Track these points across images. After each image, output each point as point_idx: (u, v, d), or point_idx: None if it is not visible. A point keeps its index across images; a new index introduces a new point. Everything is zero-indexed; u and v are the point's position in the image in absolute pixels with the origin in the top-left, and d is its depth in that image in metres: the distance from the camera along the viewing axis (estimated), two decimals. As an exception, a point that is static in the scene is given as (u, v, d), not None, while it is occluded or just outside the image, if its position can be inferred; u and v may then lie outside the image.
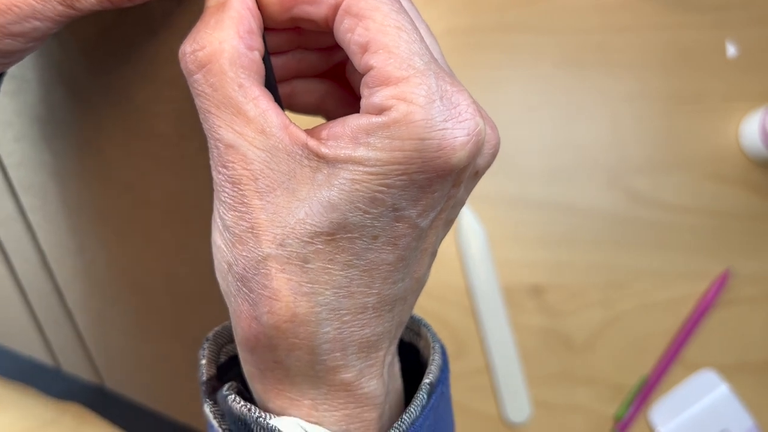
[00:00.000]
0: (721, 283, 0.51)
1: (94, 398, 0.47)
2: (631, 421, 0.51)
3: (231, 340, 0.25)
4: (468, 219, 0.51)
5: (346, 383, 0.21)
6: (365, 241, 0.19)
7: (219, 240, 0.20)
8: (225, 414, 0.22)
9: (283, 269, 0.19)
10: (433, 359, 0.23)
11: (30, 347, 0.47)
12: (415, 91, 0.18)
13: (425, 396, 0.22)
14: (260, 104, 0.19)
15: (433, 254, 0.22)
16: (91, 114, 0.31)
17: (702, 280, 0.52)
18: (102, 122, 0.31)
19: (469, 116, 0.19)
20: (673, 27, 0.52)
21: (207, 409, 0.22)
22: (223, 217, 0.20)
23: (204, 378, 0.23)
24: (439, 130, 0.18)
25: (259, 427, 0.20)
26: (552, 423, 0.52)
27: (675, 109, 0.52)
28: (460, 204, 0.22)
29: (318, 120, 0.24)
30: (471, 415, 0.51)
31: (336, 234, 0.19)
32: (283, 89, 0.23)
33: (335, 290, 0.20)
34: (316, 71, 0.25)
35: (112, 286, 0.39)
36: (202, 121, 0.20)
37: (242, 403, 0.21)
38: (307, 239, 0.19)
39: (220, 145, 0.19)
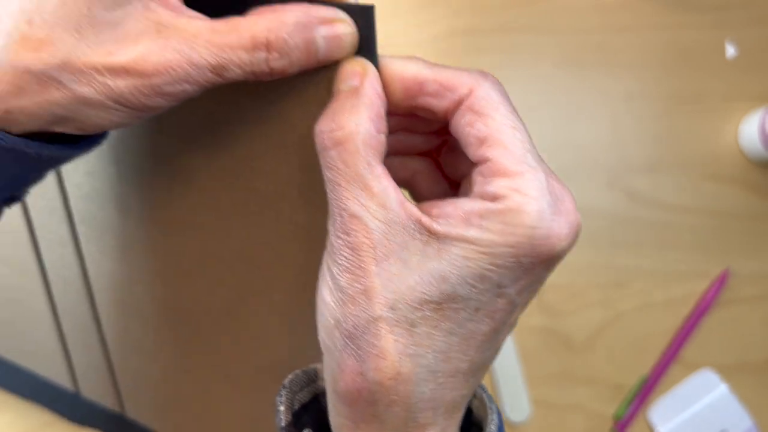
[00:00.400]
0: (721, 283, 0.51)
1: (114, 425, 0.47)
2: (630, 421, 0.52)
3: (302, 388, 0.27)
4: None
5: None
6: (468, 312, 0.22)
7: (328, 297, 0.22)
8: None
9: (392, 331, 0.21)
10: (491, 419, 0.25)
11: (52, 370, 0.47)
12: (529, 185, 0.21)
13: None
14: (383, 181, 0.22)
15: (514, 327, 0.24)
16: (179, 159, 0.31)
17: (701, 280, 0.52)
18: (190, 168, 0.31)
19: (572, 211, 0.22)
20: (673, 27, 0.52)
21: None
22: (336, 277, 0.22)
23: (282, 424, 0.25)
24: (548, 221, 0.21)
25: None
26: (552, 422, 0.52)
27: (675, 109, 0.52)
28: (542, 284, 0.24)
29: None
30: (471, 415, 0.51)
31: (443, 303, 0.21)
32: None
33: (436, 354, 0.22)
34: (413, 151, 0.28)
35: (159, 320, 0.39)
36: (328, 191, 0.22)
37: None
38: (417, 305, 0.21)
39: (345, 214, 0.22)
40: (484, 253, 0.21)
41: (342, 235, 0.22)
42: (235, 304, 0.35)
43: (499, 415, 0.26)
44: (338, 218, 0.22)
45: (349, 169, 0.21)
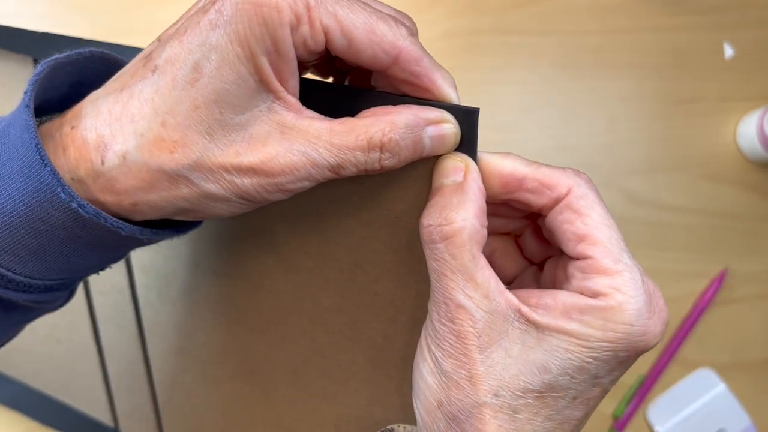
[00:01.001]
0: (719, 282, 0.52)
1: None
2: (628, 420, 0.52)
3: None
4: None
5: None
6: (566, 401, 0.23)
7: (431, 379, 0.24)
8: None
9: (496, 416, 0.22)
10: None
11: (93, 407, 0.47)
12: (627, 284, 0.23)
13: None
14: (486, 272, 0.23)
15: (590, 415, 0.26)
16: (260, 221, 0.32)
17: (699, 280, 0.52)
18: (271, 232, 0.32)
19: (663, 308, 0.24)
20: (670, 29, 0.52)
21: None
22: (440, 361, 0.23)
23: None
24: (645, 319, 0.23)
25: None
26: (550, 421, 0.52)
27: (673, 109, 0.52)
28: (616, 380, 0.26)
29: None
30: (470, 414, 0.52)
31: (545, 392, 0.23)
32: None
33: None
34: (496, 232, 0.29)
35: (216, 369, 0.40)
36: (433, 280, 0.24)
37: None
38: (520, 393, 0.22)
39: (451, 303, 0.23)
40: (584, 347, 0.22)
41: (447, 323, 0.23)
42: (301, 363, 0.36)
43: None
44: (443, 306, 0.23)
45: (456, 261, 0.23)
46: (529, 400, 0.22)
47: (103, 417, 0.47)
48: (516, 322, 0.23)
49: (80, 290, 0.42)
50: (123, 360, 0.44)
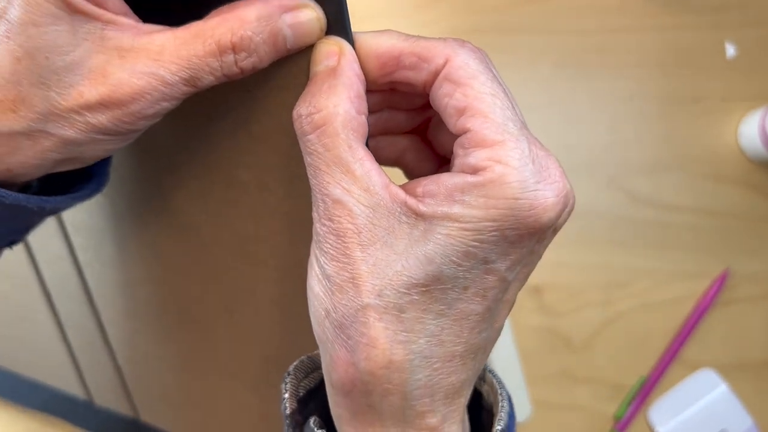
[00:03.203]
0: (721, 282, 0.51)
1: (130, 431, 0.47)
2: (630, 421, 0.52)
3: (308, 374, 0.26)
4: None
5: (431, 427, 0.22)
6: (456, 292, 0.21)
7: (317, 288, 0.22)
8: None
9: (381, 318, 0.20)
10: (502, 406, 0.24)
11: (65, 381, 0.47)
12: (510, 154, 0.20)
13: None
14: (365, 164, 0.21)
15: (512, 305, 0.24)
16: (165, 161, 0.31)
17: (701, 280, 0.52)
18: (176, 169, 0.31)
19: (558, 179, 0.21)
20: (672, 28, 0.52)
21: None
22: (323, 266, 0.21)
23: (287, 412, 0.25)
24: (531, 191, 0.20)
25: None
26: (552, 422, 0.52)
27: (674, 109, 0.52)
28: (538, 257, 0.23)
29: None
30: (471, 415, 0.52)
31: (430, 285, 0.20)
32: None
33: (428, 339, 0.21)
34: (400, 129, 0.27)
35: (163, 323, 0.39)
36: (310, 176, 0.21)
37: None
38: (404, 290, 0.20)
39: (328, 200, 0.21)
40: (466, 229, 0.20)
41: (326, 222, 0.21)
42: (233, 300, 0.35)
43: (510, 400, 0.25)
44: (321, 204, 0.21)
45: (330, 152, 0.21)
46: (414, 297, 0.20)
47: (76, 390, 0.47)
48: (404, 217, 0.21)
49: (28, 262, 0.41)
50: (82, 331, 0.43)
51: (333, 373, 0.22)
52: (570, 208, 0.22)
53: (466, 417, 0.24)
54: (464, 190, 0.20)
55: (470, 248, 0.20)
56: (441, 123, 0.25)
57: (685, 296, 0.52)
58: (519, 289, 0.24)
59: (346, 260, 0.21)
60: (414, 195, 0.21)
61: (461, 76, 0.21)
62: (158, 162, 0.32)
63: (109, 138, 0.22)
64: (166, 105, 0.22)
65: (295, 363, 0.26)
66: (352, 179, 0.21)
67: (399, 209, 0.21)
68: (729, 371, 0.52)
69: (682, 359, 0.52)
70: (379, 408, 0.22)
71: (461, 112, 0.21)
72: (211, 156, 0.29)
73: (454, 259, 0.20)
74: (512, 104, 0.22)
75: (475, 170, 0.21)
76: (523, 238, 0.21)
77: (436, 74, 0.22)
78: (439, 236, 0.20)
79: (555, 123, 0.52)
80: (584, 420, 0.52)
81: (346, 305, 0.21)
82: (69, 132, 0.21)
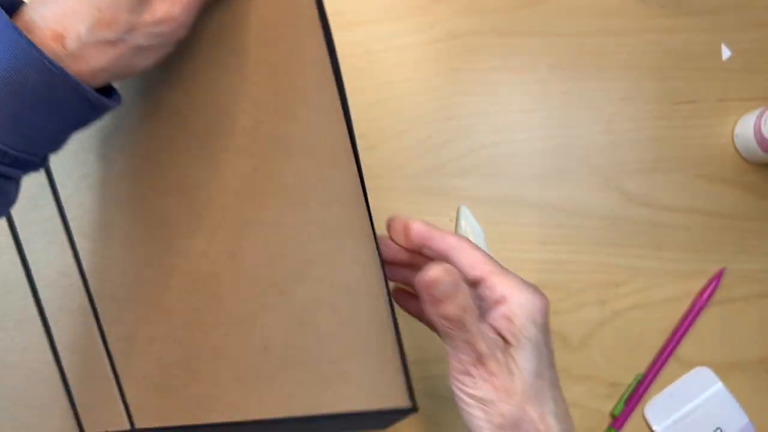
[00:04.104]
0: (716, 282, 0.52)
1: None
2: (626, 419, 0.52)
3: None
4: (466, 219, 0.52)
5: None
6: (548, 366, 0.35)
7: (480, 413, 0.33)
8: None
9: (533, 406, 0.33)
10: None
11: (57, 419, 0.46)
12: (513, 286, 0.36)
13: None
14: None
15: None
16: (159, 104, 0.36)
17: (697, 279, 0.53)
18: (174, 115, 0.37)
19: (538, 292, 0.36)
20: (668, 30, 0.52)
21: None
22: (481, 396, 0.34)
23: None
24: (538, 300, 0.36)
25: None
26: (549, 420, 0.52)
27: (670, 110, 0.53)
28: (549, 357, 0.37)
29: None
30: (469, 413, 0.52)
31: (541, 373, 0.34)
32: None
33: (553, 403, 0.34)
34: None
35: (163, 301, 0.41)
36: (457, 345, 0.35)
37: None
38: (533, 381, 0.34)
39: (474, 354, 0.35)
40: (531, 330, 0.33)
41: (479, 366, 0.34)
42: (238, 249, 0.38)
43: None
44: (472, 355, 0.34)
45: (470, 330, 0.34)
46: (538, 381, 0.33)
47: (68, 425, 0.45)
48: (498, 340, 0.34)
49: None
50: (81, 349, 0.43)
51: None
52: (543, 312, 0.36)
53: None
54: (509, 313, 0.34)
55: (538, 338, 0.34)
56: None
57: (680, 295, 0.53)
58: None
59: (499, 385, 0.33)
60: (493, 327, 0.34)
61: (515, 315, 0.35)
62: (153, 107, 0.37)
63: (161, 46, 0.32)
64: (195, 17, 0.32)
65: None
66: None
67: (495, 336, 0.34)
68: (724, 370, 0.53)
69: (678, 358, 0.53)
70: None
71: (480, 272, 0.36)
72: (199, 95, 0.37)
73: (538, 349, 0.34)
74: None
75: (504, 299, 0.35)
76: (544, 323, 0.35)
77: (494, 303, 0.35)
78: (525, 342, 0.34)
79: (552, 124, 0.52)
80: (581, 418, 0.53)
81: (512, 411, 0.32)
82: (140, 40, 0.30)
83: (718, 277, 0.52)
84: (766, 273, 0.53)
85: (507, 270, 0.35)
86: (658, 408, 0.53)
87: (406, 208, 0.51)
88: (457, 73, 0.52)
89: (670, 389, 0.53)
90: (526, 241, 0.52)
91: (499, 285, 0.34)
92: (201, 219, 0.38)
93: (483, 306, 0.35)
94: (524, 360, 0.33)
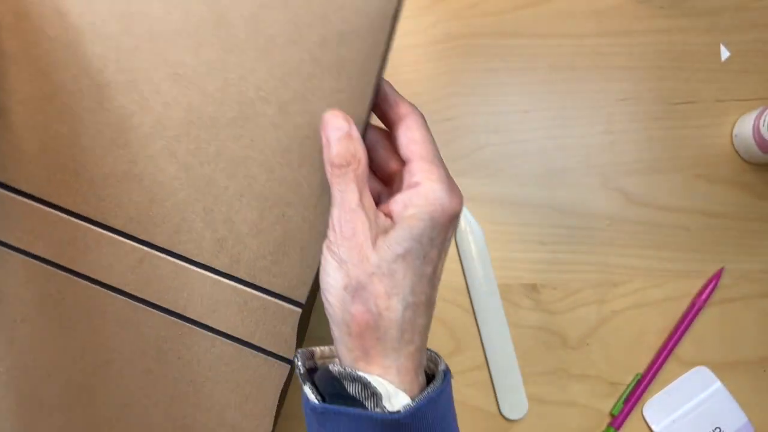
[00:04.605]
0: (715, 282, 0.52)
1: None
2: (626, 418, 0.52)
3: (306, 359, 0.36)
4: (466, 219, 0.52)
5: (413, 351, 0.32)
6: (420, 260, 0.32)
7: (335, 272, 0.32)
8: (323, 381, 0.33)
9: (381, 281, 0.31)
10: (441, 365, 0.35)
11: None
12: (435, 176, 0.33)
13: (444, 373, 0.34)
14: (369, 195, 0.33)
15: (439, 276, 0.34)
16: None
17: (696, 279, 0.53)
18: None
19: (459, 191, 0.33)
20: (667, 31, 0.53)
21: (307, 388, 0.33)
22: (341, 255, 0.32)
23: (302, 371, 0.34)
24: (448, 197, 0.32)
25: (358, 380, 0.32)
26: (548, 420, 0.53)
27: (669, 111, 0.53)
28: (450, 242, 0.34)
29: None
30: (470, 411, 0.52)
31: (406, 256, 0.31)
32: None
33: (407, 291, 0.32)
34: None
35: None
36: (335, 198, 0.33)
37: (341, 366, 0.32)
38: (392, 261, 0.31)
39: (345, 213, 0.33)
40: (421, 220, 0.31)
41: (343, 223, 0.32)
42: None
43: (447, 370, 0.35)
44: (338, 213, 0.32)
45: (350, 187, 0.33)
46: (398, 265, 0.31)
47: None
48: (388, 221, 0.32)
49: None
50: None
51: (352, 325, 0.32)
52: (449, 216, 0.33)
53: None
54: (412, 199, 0.32)
55: (423, 229, 0.31)
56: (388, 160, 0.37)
57: (679, 295, 0.53)
58: (443, 264, 0.34)
59: (357, 247, 0.31)
60: (389, 209, 0.33)
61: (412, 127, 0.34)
62: None
63: None
64: None
65: (297, 352, 0.36)
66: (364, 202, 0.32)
67: (383, 218, 0.32)
68: (723, 369, 0.53)
69: (677, 357, 0.53)
70: (384, 339, 0.32)
71: (410, 153, 0.34)
72: None
73: (416, 237, 0.31)
74: (436, 147, 0.34)
75: (416, 185, 0.32)
76: (446, 225, 0.32)
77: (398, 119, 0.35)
78: (406, 227, 0.31)
79: (551, 124, 0.53)
80: (580, 417, 0.53)
81: (358, 276, 0.31)
82: None
83: (717, 277, 0.52)
84: (765, 273, 0.53)
85: (439, 161, 0.33)
86: (657, 407, 0.53)
87: (406, 208, 0.52)
88: (457, 73, 0.52)
89: (669, 389, 0.53)
90: (526, 241, 0.52)
91: (420, 172, 0.32)
92: None
93: (395, 189, 0.34)
94: (394, 240, 0.31)
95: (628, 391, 0.52)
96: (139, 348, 0.42)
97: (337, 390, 0.32)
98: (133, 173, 0.40)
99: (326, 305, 0.33)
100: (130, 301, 0.41)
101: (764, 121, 0.49)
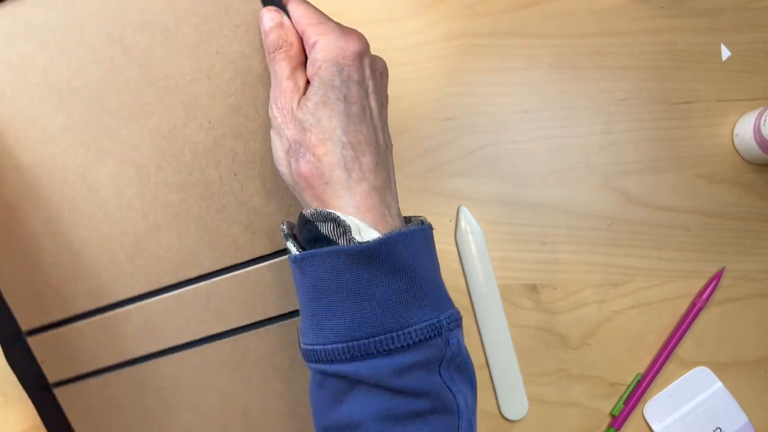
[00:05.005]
0: (716, 282, 0.52)
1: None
2: (626, 418, 0.52)
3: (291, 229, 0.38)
4: (466, 219, 0.52)
5: (368, 191, 0.34)
6: (342, 101, 0.34)
7: (278, 141, 0.36)
8: (301, 231, 0.35)
9: (312, 131, 0.34)
10: (426, 221, 0.38)
11: None
12: (327, 33, 0.36)
13: (421, 222, 0.37)
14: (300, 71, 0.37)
15: (384, 126, 0.38)
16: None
17: (696, 279, 0.53)
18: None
19: (355, 32, 0.36)
20: (668, 31, 0.52)
21: (289, 243, 0.36)
22: (278, 125, 0.36)
23: (285, 231, 0.37)
24: (342, 39, 0.35)
25: (331, 218, 0.33)
26: (549, 420, 0.53)
27: (670, 111, 0.53)
28: (379, 94, 0.37)
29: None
30: (469, 412, 0.52)
31: (325, 101, 0.34)
32: None
33: (339, 132, 0.34)
34: None
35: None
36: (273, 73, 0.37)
37: (316, 209, 0.34)
38: (314, 110, 0.34)
39: (278, 86, 0.37)
40: (326, 68, 0.35)
41: (278, 96, 0.36)
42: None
43: (428, 223, 0.37)
44: (277, 89, 0.36)
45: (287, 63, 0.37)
46: (321, 112, 0.34)
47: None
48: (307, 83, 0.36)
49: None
50: None
51: (301, 180, 0.35)
52: (365, 43, 0.36)
53: (399, 212, 0.37)
54: (314, 56, 0.35)
55: (331, 74, 0.34)
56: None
57: (680, 295, 0.53)
58: (379, 102, 0.37)
59: (287, 112, 0.35)
60: (305, 78, 0.36)
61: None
62: None
63: None
64: None
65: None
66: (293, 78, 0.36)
67: (304, 84, 0.36)
68: (724, 369, 0.53)
69: (678, 357, 0.53)
70: (332, 182, 0.34)
71: (301, 25, 0.37)
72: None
73: (328, 83, 0.34)
74: (319, 12, 0.37)
75: (314, 44, 0.35)
76: (354, 63, 0.35)
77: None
78: (318, 78, 0.35)
79: (551, 124, 0.53)
80: (581, 417, 0.53)
81: (293, 136, 0.35)
82: None
83: (717, 277, 0.52)
84: (765, 273, 0.53)
85: (326, 19, 0.36)
86: (657, 408, 0.53)
87: (406, 208, 0.52)
88: (457, 73, 0.52)
89: (669, 389, 0.53)
90: (526, 241, 0.52)
91: (314, 34, 0.35)
92: None
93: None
94: (310, 93, 0.34)
95: (628, 392, 0.52)
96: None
97: (314, 235, 0.34)
98: (141, 234, 0.41)
99: (283, 177, 0.36)
100: (231, 337, 0.43)
101: (765, 121, 0.49)
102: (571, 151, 0.52)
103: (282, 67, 0.36)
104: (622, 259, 0.52)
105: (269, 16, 0.37)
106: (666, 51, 0.53)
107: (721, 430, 0.52)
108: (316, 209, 0.34)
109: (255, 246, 0.42)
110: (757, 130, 0.50)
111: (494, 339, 0.52)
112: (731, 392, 0.53)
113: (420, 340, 0.32)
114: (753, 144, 0.51)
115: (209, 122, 0.40)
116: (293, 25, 0.37)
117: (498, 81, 0.52)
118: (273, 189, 0.41)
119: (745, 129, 0.52)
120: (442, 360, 0.33)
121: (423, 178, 0.52)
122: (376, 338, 0.32)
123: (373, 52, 0.37)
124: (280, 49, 0.36)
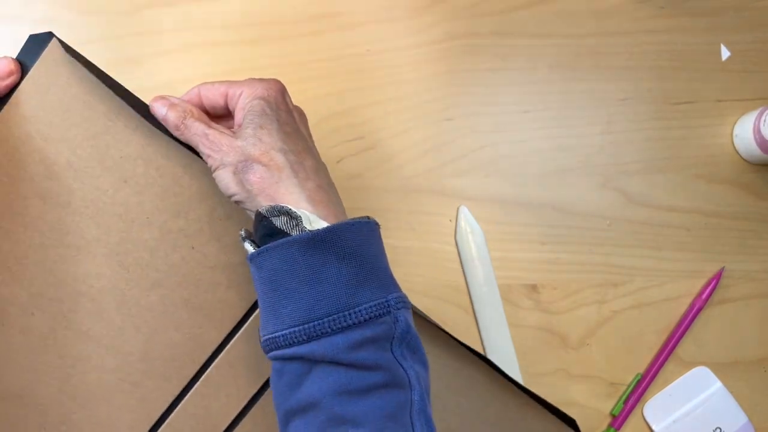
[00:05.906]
0: (715, 282, 0.52)
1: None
2: (626, 418, 0.52)
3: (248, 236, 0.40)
4: (466, 219, 0.52)
5: (315, 188, 0.37)
6: (275, 126, 0.38)
7: (222, 171, 0.38)
8: (258, 227, 0.37)
9: (255, 147, 0.37)
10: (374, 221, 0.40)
11: None
12: (246, 91, 0.40)
13: (368, 218, 0.38)
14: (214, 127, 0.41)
15: (317, 153, 0.41)
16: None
17: (696, 279, 0.53)
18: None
19: (261, 82, 0.40)
20: (668, 31, 0.53)
21: (246, 244, 0.38)
22: (217, 158, 0.38)
23: (243, 235, 0.39)
24: (259, 90, 0.39)
25: (284, 212, 0.36)
26: (549, 419, 0.53)
27: (670, 111, 0.53)
28: (305, 126, 0.42)
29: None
30: (469, 412, 0.52)
31: (262, 127, 0.38)
32: None
33: (280, 144, 0.37)
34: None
35: None
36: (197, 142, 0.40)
37: (271, 204, 0.37)
38: (254, 133, 0.38)
39: (206, 140, 0.40)
40: (253, 106, 0.38)
41: (208, 144, 0.39)
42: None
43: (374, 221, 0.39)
44: (206, 143, 0.39)
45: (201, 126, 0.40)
46: (261, 132, 0.37)
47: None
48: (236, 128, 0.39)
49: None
50: None
51: (254, 188, 0.37)
52: (276, 91, 0.39)
53: (341, 207, 0.40)
54: (241, 104, 0.39)
55: (261, 107, 0.38)
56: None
57: (680, 295, 0.53)
58: (307, 132, 0.42)
59: (226, 146, 0.38)
60: (235, 127, 0.40)
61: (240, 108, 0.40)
62: None
63: None
64: None
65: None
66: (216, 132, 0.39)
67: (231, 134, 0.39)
68: (723, 369, 0.53)
69: (678, 357, 0.53)
70: (282, 180, 0.37)
71: (221, 94, 0.41)
72: None
73: (260, 112, 0.38)
74: (232, 80, 0.41)
75: (239, 97, 0.39)
76: (276, 96, 0.39)
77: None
78: (250, 113, 0.38)
79: (551, 124, 0.53)
80: (580, 417, 0.53)
81: (238, 158, 0.37)
82: None
83: (717, 277, 0.52)
84: (765, 273, 0.53)
85: (239, 80, 0.40)
86: (657, 407, 0.53)
87: (406, 208, 0.52)
88: (457, 73, 0.52)
89: (669, 389, 0.53)
90: (526, 241, 0.52)
91: (237, 89, 0.39)
92: None
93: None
94: (246, 125, 0.38)
95: (628, 392, 0.52)
96: None
97: (269, 231, 0.36)
98: (143, 346, 0.43)
99: (237, 202, 0.39)
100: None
101: (764, 121, 0.49)
102: (571, 151, 0.53)
103: (197, 126, 0.39)
104: (622, 259, 0.52)
105: (159, 104, 0.40)
106: (666, 51, 0.53)
107: (721, 430, 0.52)
108: (270, 205, 0.37)
109: (242, 299, 0.44)
110: (757, 130, 0.50)
111: (494, 339, 0.52)
112: (731, 392, 0.53)
113: (370, 317, 0.35)
114: (753, 144, 0.51)
115: (147, 218, 0.42)
116: (187, 101, 0.41)
117: (498, 81, 0.52)
118: (229, 242, 0.43)
119: (744, 129, 0.52)
120: (393, 338, 0.36)
121: (423, 178, 0.52)
122: (330, 317, 0.34)
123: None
124: (185, 118, 0.39)
